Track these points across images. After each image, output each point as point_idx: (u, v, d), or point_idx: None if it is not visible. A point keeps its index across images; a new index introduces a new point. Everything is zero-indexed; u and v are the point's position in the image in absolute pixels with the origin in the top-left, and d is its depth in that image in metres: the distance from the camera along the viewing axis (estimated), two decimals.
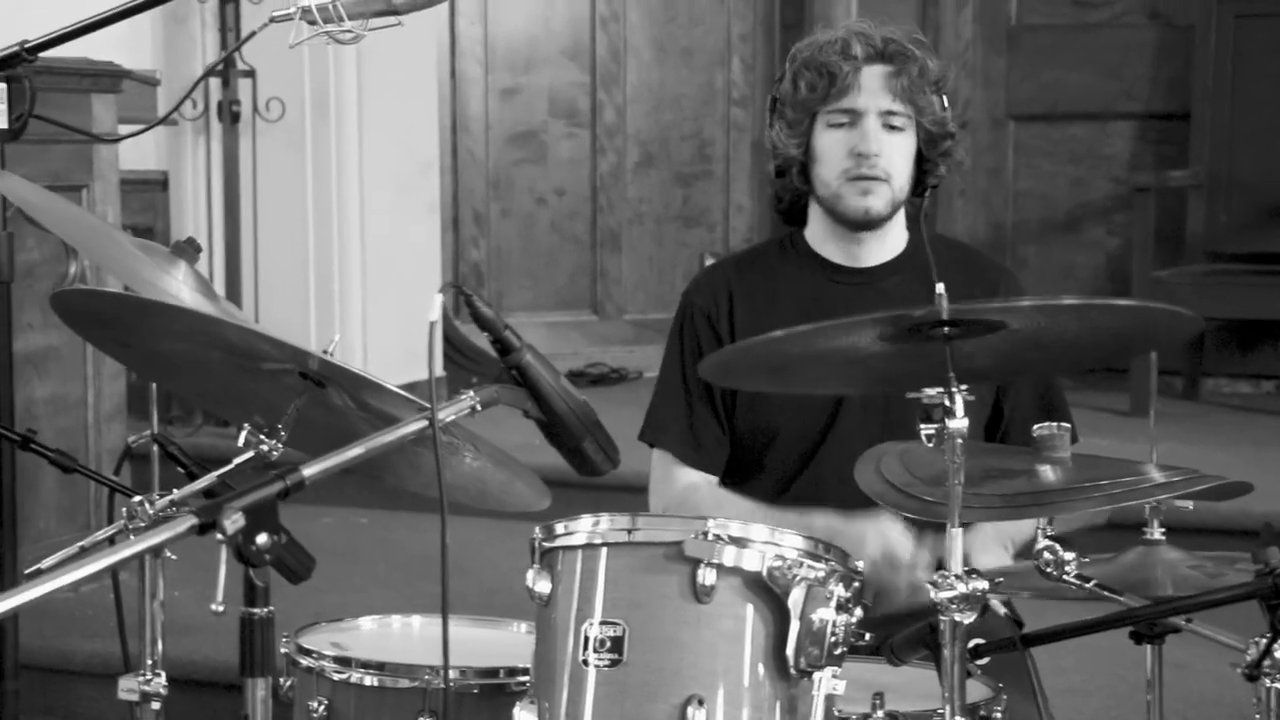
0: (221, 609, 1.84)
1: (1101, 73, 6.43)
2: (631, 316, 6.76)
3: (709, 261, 6.67)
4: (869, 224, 2.82)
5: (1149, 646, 2.20)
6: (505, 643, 2.61)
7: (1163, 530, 2.22)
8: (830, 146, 2.79)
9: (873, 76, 2.76)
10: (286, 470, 1.78)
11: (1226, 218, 6.13)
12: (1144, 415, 5.46)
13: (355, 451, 1.86)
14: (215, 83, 5.44)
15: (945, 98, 2.82)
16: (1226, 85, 6.12)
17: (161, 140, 5.73)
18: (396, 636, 2.68)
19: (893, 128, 2.78)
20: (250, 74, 5.42)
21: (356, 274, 5.58)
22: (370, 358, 5.43)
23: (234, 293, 5.44)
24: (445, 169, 6.31)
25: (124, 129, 4.55)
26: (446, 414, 1.94)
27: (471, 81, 6.54)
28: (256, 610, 1.78)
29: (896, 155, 2.79)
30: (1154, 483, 2.07)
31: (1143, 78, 6.39)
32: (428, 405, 1.93)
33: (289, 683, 2.52)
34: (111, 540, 2.43)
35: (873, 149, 2.76)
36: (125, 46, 4.77)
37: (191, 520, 1.70)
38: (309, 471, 1.80)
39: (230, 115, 5.43)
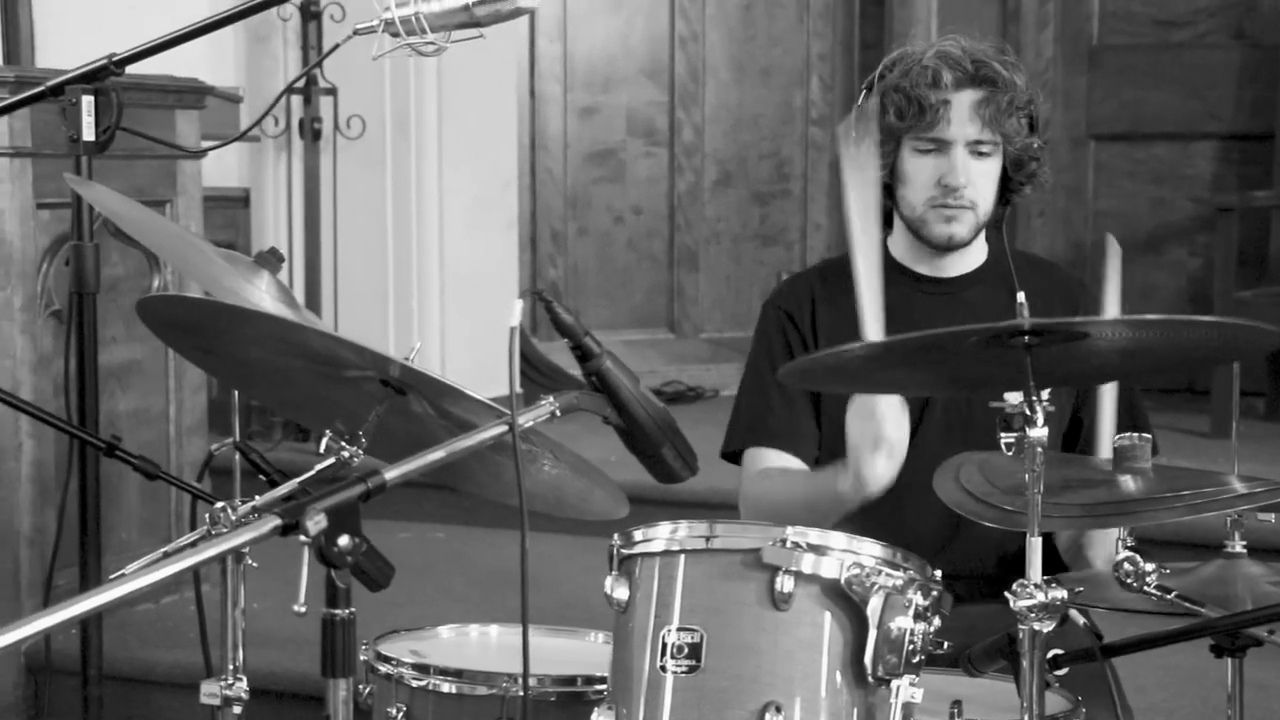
0: (304, 609, 1.85)
1: (1184, 92, 6.39)
2: (708, 335, 6.76)
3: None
4: (951, 249, 2.82)
5: (1229, 660, 2.18)
6: (582, 651, 2.62)
7: (1244, 545, 2.21)
8: (917, 172, 2.78)
9: (961, 105, 2.74)
10: (369, 473, 1.80)
11: None
12: (1225, 437, 5.41)
13: (436, 455, 1.87)
14: (297, 100, 5.50)
15: (1033, 119, 2.79)
16: None
17: (244, 157, 5.80)
18: (474, 645, 2.69)
19: (980, 154, 2.76)
20: (331, 92, 5.47)
21: (435, 291, 5.62)
22: (447, 373, 5.44)
23: (313, 307, 5.49)
24: (524, 187, 6.34)
25: (206, 145, 4.61)
26: (526, 419, 1.95)
27: (550, 100, 6.57)
28: (338, 611, 1.80)
29: (983, 182, 2.78)
30: (1236, 493, 2.05)
31: (1226, 97, 6.34)
32: (508, 411, 1.94)
33: (368, 689, 2.54)
34: (194, 546, 2.46)
35: (960, 181, 2.76)
36: (209, 64, 4.83)
37: (275, 521, 1.71)
38: (391, 475, 1.82)
39: (312, 132, 5.49)
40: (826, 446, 2.83)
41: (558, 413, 1.97)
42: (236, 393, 2.61)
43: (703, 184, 6.75)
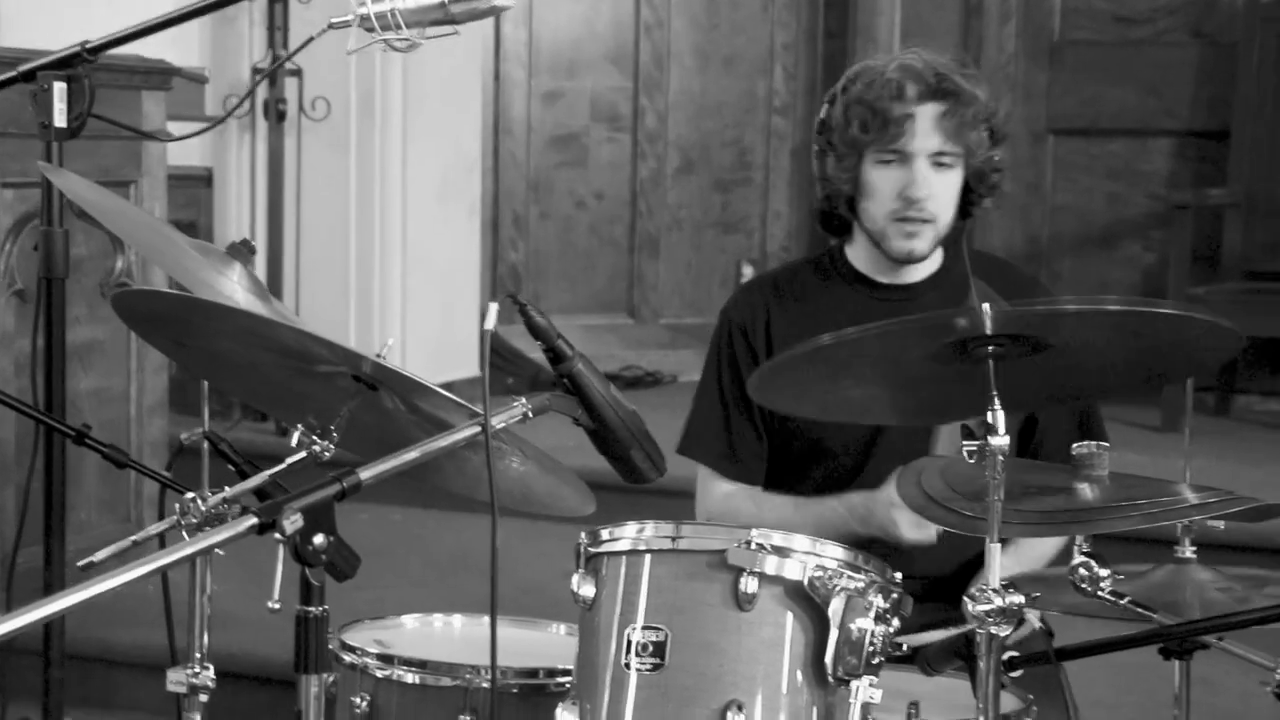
0: (278, 607, 1.88)
1: (1142, 89, 6.45)
2: (667, 321, 6.80)
3: (746, 268, 6.73)
4: (911, 262, 2.86)
5: (1177, 663, 2.23)
6: (544, 643, 2.66)
7: (1194, 549, 2.26)
8: (879, 185, 2.80)
9: (925, 117, 2.77)
10: (344, 473, 1.83)
11: (1264, 236, 6.15)
12: (1176, 431, 5.48)
13: (410, 456, 1.91)
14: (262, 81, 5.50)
15: (994, 132, 2.82)
16: (1268, 104, 6.13)
17: (207, 137, 5.78)
18: (438, 635, 2.72)
19: (942, 165, 2.79)
20: (297, 73, 5.47)
21: (397, 273, 5.63)
22: (409, 356, 5.48)
23: (275, 289, 5.50)
24: (486, 171, 6.37)
25: (173, 125, 4.62)
26: (499, 420, 1.98)
27: (514, 84, 6.59)
28: (312, 609, 1.82)
29: (944, 194, 2.81)
30: (1190, 503, 2.10)
31: (1183, 95, 6.41)
32: (480, 412, 1.97)
33: (331, 679, 2.56)
34: (162, 537, 2.48)
35: (921, 193, 2.78)
36: (174, 44, 4.83)
37: (252, 520, 1.74)
38: (366, 474, 1.85)
39: (276, 114, 5.49)
40: (782, 466, 2.89)
41: (530, 414, 2.00)
42: (205, 382, 2.64)
43: (665, 170, 6.78)
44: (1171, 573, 2.24)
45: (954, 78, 2.78)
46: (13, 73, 2.92)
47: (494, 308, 1.97)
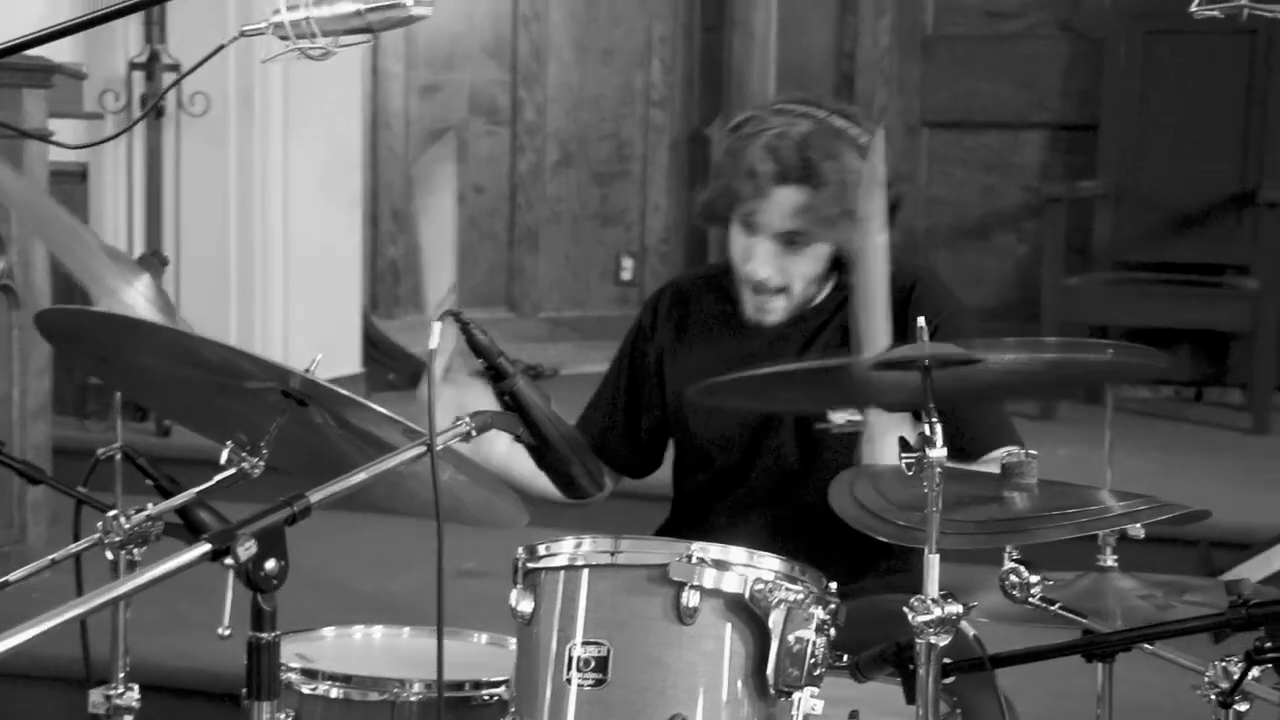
0: (228, 633, 1.86)
1: (1014, 83, 6.55)
2: (547, 314, 6.80)
3: (625, 262, 6.74)
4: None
5: (1100, 665, 2.28)
6: (467, 653, 2.64)
7: (1115, 559, 2.31)
8: (734, 247, 2.74)
9: (778, 201, 2.67)
10: (294, 497, 1.81)
11: (1132, 227, 6.28)
12: (1051, 420, 5.58)
13: (358, 478, 1.89)
14: (139, 75, 5.41)
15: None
16: (1135, 98, 6.26)
17: (82, 133, 5.68)
18: (359, 648, 2.70)
19: (793, 245, 2.70)
20: (175, 68, 5.39)
21: (278, 269, 5.58)
22: (290, 353, 5.43)
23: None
24: (365, 165, 6.31)
25: (55, 123, 4.54)
26: (443, 439, 1.97)
27: (392, 78, 6.54)
28: (264, 635, 1.80)
29: (796, 270, 2.72)
30: (1118, 512, 2.14)
31: (1054, 89, 6.52)
32: (423, 431, 1.96)
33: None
34: (78, 558, 2.43)
35: (760, 275, 2.70)
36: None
37: (205, 548, 1.72)
38: (315, 497, 1.83)
39: (155, 109, 5.40)
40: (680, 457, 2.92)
41: (474, 432, 2.00)
42: (119, 393, 2.60)
43: (544, 164, 6.77)
44: (1095, 580, 2.28)
45: (821, 165, 2.64)
46: None
47: (437, 326, 1.96)
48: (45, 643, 1.51)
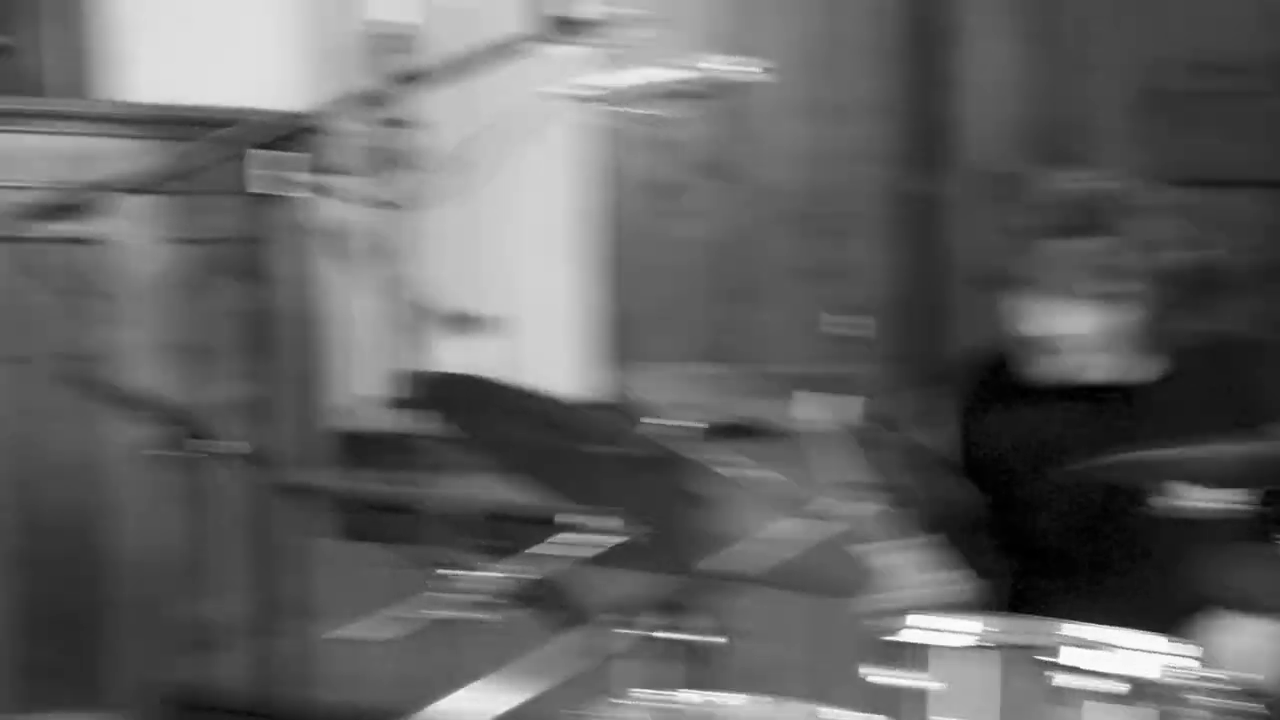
0: None
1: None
2: (769, 368, 6.76)
3: (847, 317, 6.70)
4: None
5: None
6: None
7: None
8: None
9: None
10: None
11: None
12: None
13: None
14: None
15: None
16: None
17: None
18: None
19: None
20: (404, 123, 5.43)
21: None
22: None
23: None
24: (603, 221, 6.38)
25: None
26: None
27: (620, 134, 6.56)
28: None
29: None
30: None
31: None
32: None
33: None
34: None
35: None
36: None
37: None
38: None
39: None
40: None
41: None
42: None
43: (767, 219, 6.77)
44: None
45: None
46: None
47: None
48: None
